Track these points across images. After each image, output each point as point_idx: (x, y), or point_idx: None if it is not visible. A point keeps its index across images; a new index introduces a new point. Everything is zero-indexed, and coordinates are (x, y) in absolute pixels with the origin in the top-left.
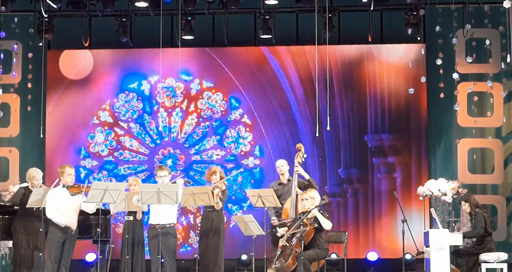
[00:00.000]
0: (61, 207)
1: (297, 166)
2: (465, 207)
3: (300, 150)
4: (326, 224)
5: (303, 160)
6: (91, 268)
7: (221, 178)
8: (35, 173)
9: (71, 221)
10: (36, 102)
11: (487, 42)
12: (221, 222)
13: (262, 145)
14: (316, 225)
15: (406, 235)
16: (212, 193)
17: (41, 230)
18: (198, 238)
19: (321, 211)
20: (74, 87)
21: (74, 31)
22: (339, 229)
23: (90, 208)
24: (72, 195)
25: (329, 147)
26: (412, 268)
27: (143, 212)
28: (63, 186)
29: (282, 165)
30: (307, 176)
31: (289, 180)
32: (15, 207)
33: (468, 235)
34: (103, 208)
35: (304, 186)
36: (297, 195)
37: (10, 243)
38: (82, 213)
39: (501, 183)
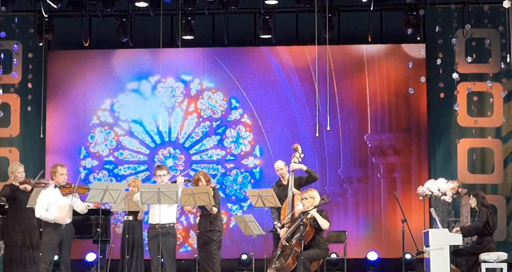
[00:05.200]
0: (52, 205)
1: (292, 165)
2: (472, 201)
3: (297, 151)
4: (324, 224)
5: (300, 160)
6: (91, 268)
7: (206, 182)
8: (17, 166)
9: (61, 216)
10: (36, 102)
11: (487, 42)
12: (217, 223)
13: (262, 145)
14: (315, 226)
15: (406, 235)
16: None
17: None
18: (197, 238)
19: (320, 212)
20: (74, 87)
21: (74, 31)
22: (339, 229)
23: (80, 208)
24: (63, 195)
25: (329, 147)
26: (412, 268)
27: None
28: (55, 186)
29: (281, 168)
30: (304, 167)
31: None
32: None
33: (466, 229)
34: (102, 207)
35: (306, 179)
36: (293, 195)
37: None
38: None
39: (501, 183)
